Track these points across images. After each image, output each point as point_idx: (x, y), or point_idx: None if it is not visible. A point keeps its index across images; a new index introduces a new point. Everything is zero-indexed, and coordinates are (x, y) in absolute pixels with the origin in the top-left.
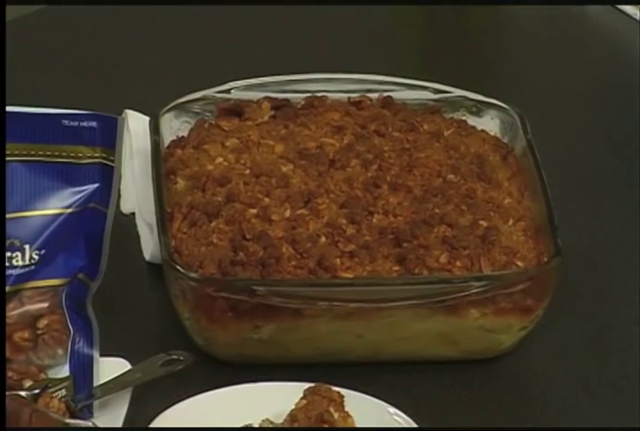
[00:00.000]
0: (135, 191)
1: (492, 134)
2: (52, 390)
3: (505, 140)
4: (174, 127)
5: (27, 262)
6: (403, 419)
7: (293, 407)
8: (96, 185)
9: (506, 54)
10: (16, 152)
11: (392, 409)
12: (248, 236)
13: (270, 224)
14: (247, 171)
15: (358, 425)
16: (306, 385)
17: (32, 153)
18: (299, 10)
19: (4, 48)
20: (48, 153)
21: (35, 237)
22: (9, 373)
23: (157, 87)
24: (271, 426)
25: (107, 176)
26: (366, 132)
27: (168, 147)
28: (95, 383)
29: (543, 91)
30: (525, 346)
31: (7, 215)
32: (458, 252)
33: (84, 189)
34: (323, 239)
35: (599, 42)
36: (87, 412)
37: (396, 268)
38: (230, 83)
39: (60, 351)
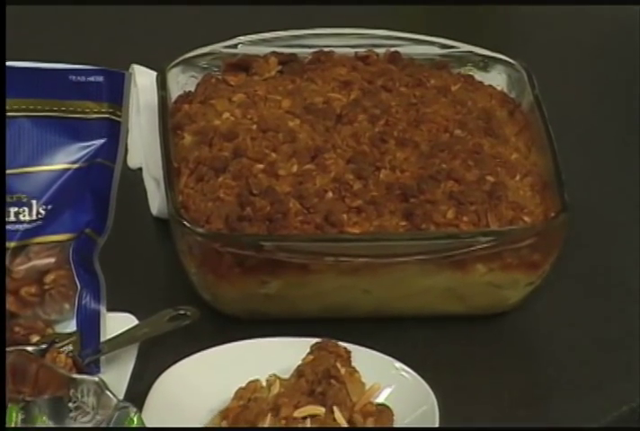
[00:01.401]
0: (142, 146)
1: (499, 89)
2: (59, 345)
3: (512, 95)
4: (181, 81)
5: (34, 217)
6: (409, 374)
7: (300, 362)
8: (103, 140)
9: (513, 9)
10: (23, 107)
11: (398, 364)
12: (255, 191)
13: (277, 180)
14: (254, 127)
15: (364, 380)
16: (313, 341)
17: (39, 108)
18: None
19: (4, 48)
20: (55, 108)
21: (42, 192)
22: (16, 329)
23: (165, 42)
24: (277, 380)
25: (114, 131)
26: (373, 87)
27: (175, 102)
28: (102, 339)
29: (550, 46)
30: (532, 301)
31: (14, 171)
32: (465, 208)
33: (91, 144)
34: (330, 194)
35: None
36: (94, 367)
37: (403, 223)
38: (237, 38)
39: (67, 306)
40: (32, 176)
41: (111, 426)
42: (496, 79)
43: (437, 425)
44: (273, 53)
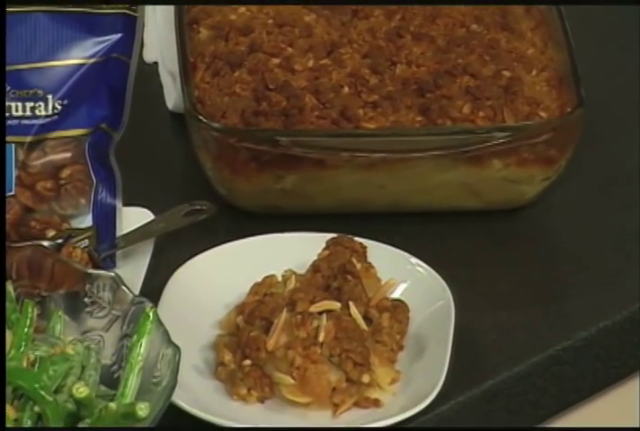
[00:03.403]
0: (158, 40)
1: None
2: (75, 240)
3: None
4: None
5: (50, 112)
6: (424, 269)
7: (316, 257)
8: (119, 35)
9: None
10: (39, 2)
11: (414, 260)
12: (271, 86)
13: (293, 74)
14: (270, 21)
15: (380, 275)
16: (329, 236)
17: (55, 3)
18: None
19: (4, 48)
20: (71, 3)
21: (58, 87)
22: (32, 224)
23: None
24: (293, 276)
25: (130, 26)
26: None
27: None
28: (118, 233)
29: None
30: (548, 196)
31: (30, 66)
32: (481, 103)
33: (107, 39)
34: (346, 89)
35: None
36: (110, 262)
37: (419, 118)
38: None
39: (83, 201)
40: (48, 71)
41: (126, 321)
42: None
43: (452, 320)
44: None
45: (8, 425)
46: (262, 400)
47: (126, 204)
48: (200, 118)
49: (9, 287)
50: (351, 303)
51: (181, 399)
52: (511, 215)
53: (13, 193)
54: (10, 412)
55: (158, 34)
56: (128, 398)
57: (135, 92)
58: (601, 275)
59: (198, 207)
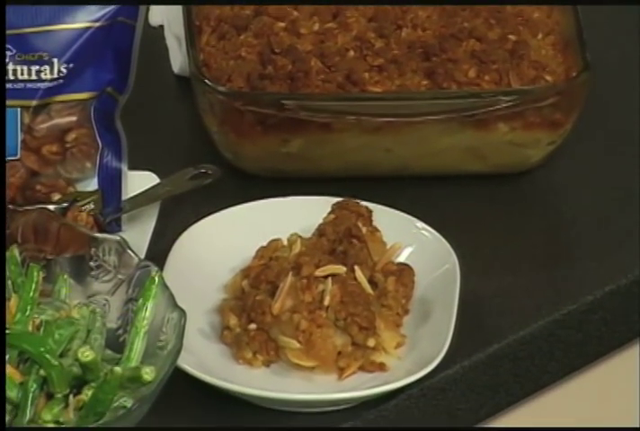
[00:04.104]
0: (163, 4)
1: None
2: (80, 203)
3: None
4: None
5: (55, 76)
6: (430, 233)
7: (321, 221)
8: None
9: None
10: None
11: (419, 224)
12: (277, 50)
13: (298, 38)
14: None
15: (385, 239)
16: (335, 200)
17: None
18: None
19: (4, 47)
20: None
21: (63, 51)
22: (37, 187)
23: None
24: (299, 239)
25: None
26: None
27: None
28: (124, 197)
29: None
30: (553, 160)
31: (35, 29)
32: (487, 66)
33: (113, 2)
34: (351, 53)
35: None
36: (115, 226)
37: (425, 82)
38: None
39: (89, 165)
40: (54, 34)
41: (132, 284)
42: None
43: (458, 284)
44: None
45: (13, 389)
46: (267, 363)
47: (131, 167)
48: (206, 81)
49: (14, 251)
50: (356, 267)
51: (186, 362)
52: (517, 179)
53: (18, 157)
54: (16, 376)
55: None
56: (134, 361)
57: (140, 56)
58: (607, 239)
59: (203, 171)
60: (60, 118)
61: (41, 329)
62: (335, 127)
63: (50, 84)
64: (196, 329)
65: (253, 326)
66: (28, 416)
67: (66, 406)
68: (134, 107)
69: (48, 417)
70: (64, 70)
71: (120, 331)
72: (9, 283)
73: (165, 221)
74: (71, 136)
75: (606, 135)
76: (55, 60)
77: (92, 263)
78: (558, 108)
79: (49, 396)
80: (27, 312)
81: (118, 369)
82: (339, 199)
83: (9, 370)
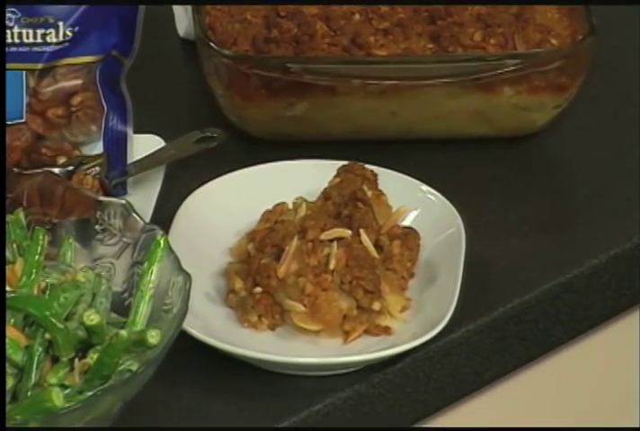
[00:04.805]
0: None
1: None
2: (86, 167)
3: None
4: None
5: (61, 39)
6: (435, 197)
7: (326, 185)
8: None
9: None
10: None
11: (425, 187)
12: (282, 13)
13: (303, 1)
14: None
15: (391, 203)
16: (340, 163)
17: None
18: None
19: (4, 47)
20: None
21: (69, 14)
22: (43, 150)
23: None
24: (304, 203)
25: None
26: None
27: None
28: (129, 160)
29: None
30: (559, 124)
31: None
32: (493, 30)
33: None
34: (357, 16)
35: None
36: (121, 189)
37: (430, 45)
38: None
39: (94, 128)
40: None
41: (137, 248)
42: None
43: (463, 248)
44: None
45: (19, 352)
46: (272, 327)
47: (137, 131)
48: (211, 44)
49: (20, 215)
50: (361, 231)
51: (191, 326)
52: (523, 143)
53: (23, 120)
54: (21, 339)
55: None
56: (139, 325)
57: (146, 19)
58: (612, 202)
59: (209, 134)
60: (66, 82)
61: (47, 293)
62: (340, 91)
63: (56, 48)
64: (201, 293)
65: (258, 289)
66: (33, 379)
67: (72, 369)
68: (139, 70)
69: (53, 381)
70: (69, 33)
71: (126, 295)
72: (14, 246)
73: (171, 184)
74: (76, 100)
75: (611, 98)
76: (60, 23)
77: (97, 227)
78: (564, 71)
79: (55, 360)
80: (32, 276)
81: (123, 332)
82: (344, 163)
83: (14, 333)
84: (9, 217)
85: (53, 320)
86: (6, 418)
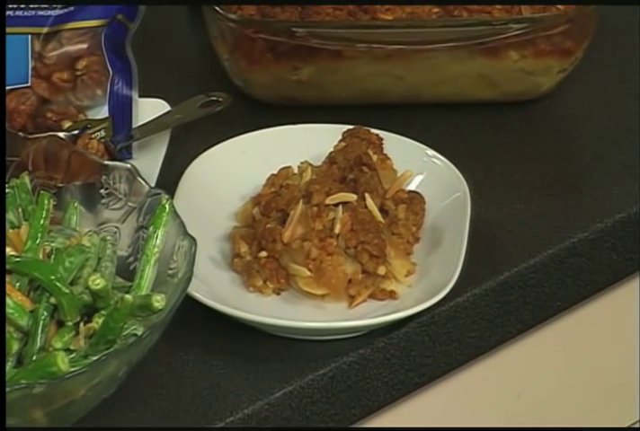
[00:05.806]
0: None
1: None
2: (91, 131)
3: None
4: None
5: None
6: (441, 161)
7: (332, 149)
8: None
9: None
10: None
11: (430, 152)
12: None
13: None
14: None
15: (396, 167)
16: (345, 127)
17: None
18: None
19: (4, 47)
20: None
21: None
22: (48, 114)
23: None
24: (309, 167)
25: None
26: None
27: None
28: (134, 124)
29: None
30: (564, 88)
31: None
32: None
33: None
34: None
35: None
36: (126, 153)
37: (436, 9)
38: None
39: (99, 92)
40: None
41: (142, 212)
42: None
43: (469, 212)
44: None
45: (24, 317)
46: (277, 291)
47: (142, 95)
48: (217, 8)
49: (25, 179)
50: (367, 195)
51: (197, 290)
52: (528, 107)
53: (29, 84)
54: (26, 303)
55: None
56: (144, 289)
57: None
58: (617, 166)
59: (214, 98)
60: (71, 46)
61: (52, 257)
62: (346, 55)
63: (61, 12)
64: (206, 257)
65: (263, 254)
66: (39, 344)
67: (77, 334)
68: (145, 34)
69: (58, 345)
70: None
71: (131, 259)
72: (20, 210)
73: (176, 148)
74: (82, 64)
75: (616, 63)
76: None
77: (102, 191)
78: (569, 36)
79: (60, 324)
80: (37, 240)
81: (128, 297)
82: (350, 127)
83: (20, 297)
84: (14, 181)
85: (58, 284)
86: (9, 382)
